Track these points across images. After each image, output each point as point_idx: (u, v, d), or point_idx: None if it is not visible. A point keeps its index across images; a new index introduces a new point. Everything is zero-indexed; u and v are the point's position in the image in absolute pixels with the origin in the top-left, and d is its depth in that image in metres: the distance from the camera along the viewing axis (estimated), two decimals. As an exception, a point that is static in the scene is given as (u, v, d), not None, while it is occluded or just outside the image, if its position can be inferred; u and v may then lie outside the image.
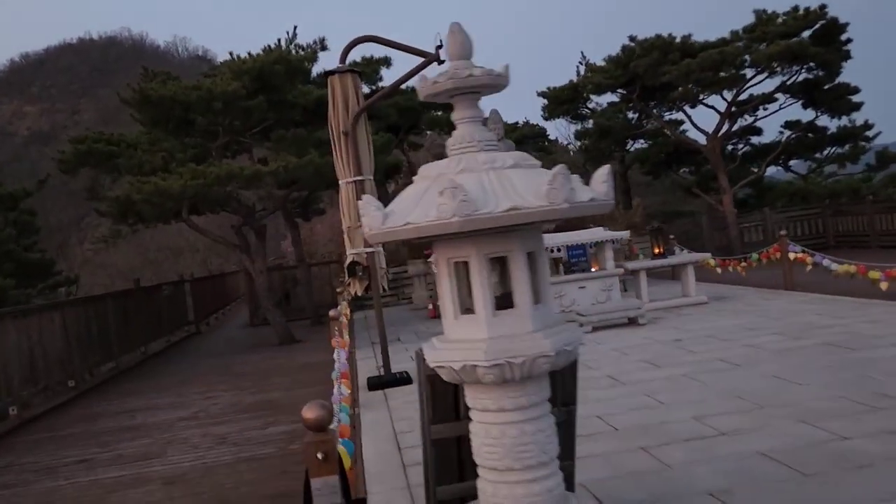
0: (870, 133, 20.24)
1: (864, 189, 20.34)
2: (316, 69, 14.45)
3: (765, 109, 20.08)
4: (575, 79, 20.73)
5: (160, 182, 9.63)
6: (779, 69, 16.19)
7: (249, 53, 10.92)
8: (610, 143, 19.99)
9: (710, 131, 19.77)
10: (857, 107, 18.69)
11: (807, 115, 20.19)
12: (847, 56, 16.68)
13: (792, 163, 22.34)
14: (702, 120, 19.65)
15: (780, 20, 16.27)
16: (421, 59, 7.49)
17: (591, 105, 21.43)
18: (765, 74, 16.86)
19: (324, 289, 18.70)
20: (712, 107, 18.71)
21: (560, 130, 40.33)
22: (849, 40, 16.52)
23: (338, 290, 15.49)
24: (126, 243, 43.51)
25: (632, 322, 9.53)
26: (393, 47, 7.85)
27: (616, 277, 10.81)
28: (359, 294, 7.92)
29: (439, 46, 7.52)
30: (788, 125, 21.01)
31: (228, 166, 9.96)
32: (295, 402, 7.57)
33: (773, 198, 20.56)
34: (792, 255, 11.40)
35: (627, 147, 22.02)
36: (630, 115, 20.22)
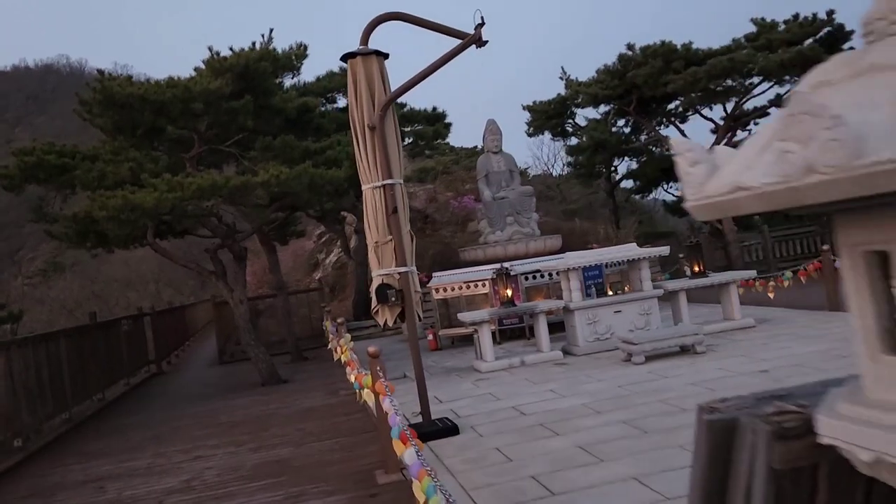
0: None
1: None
2: (294, 79, 13.14)
3: (755, 124, 19.52)
4: (562, 93, 19.84)
5: (130, 196, 8.11)
6: (787, 78, 15.57)
7: (231, 49, 9.54)
8: (605, 158, 19.10)
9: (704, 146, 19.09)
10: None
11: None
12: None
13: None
14: (693, 135, 18.78)
15: (782, 27, 15.70)
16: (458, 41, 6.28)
17: (577, 120, 20.60)
18: (769, 83, 16.22)
19: (303, 320, 17.14)
20: (710, 119, 18.03)
21: (539, 149, 39.76)
22: (852, 49, 16.00)
23: (325, 322, 14.01)
24: (69, 276, 40.85)
25: (685, 350, 8.37)
26: (424, 27, 6.61)
27: (655, 300, 9.66)
28: (389, 324, 6.55)
29: (480, 25, 6.33)
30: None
31: (211, 177, 8.51)
32: (313, 463, 6.11)
33: (766, 216, 19.87)
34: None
35: (614, 164, 21.19)
36: (623, 128, 19.41)
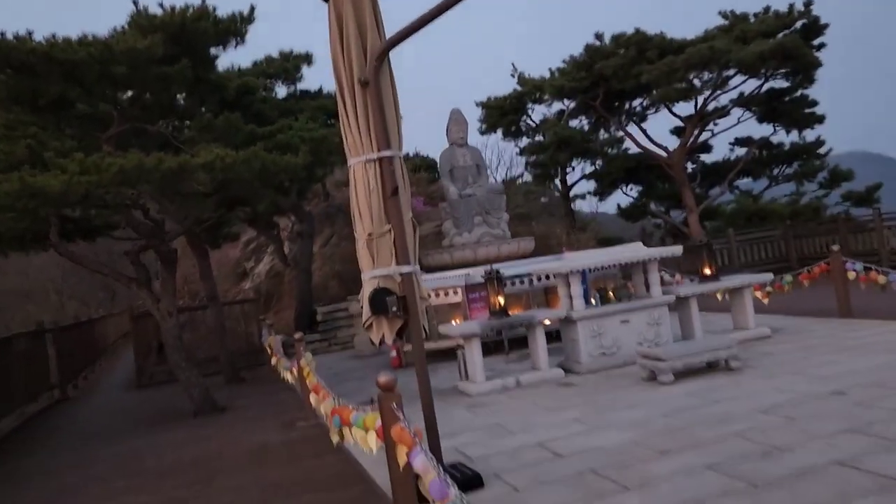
0: (821, 150, 19.57)
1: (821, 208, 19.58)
2: (236, 57, 11.39)
3: (714, 125, 18.97)
4: (516, 89, 18.75)
5: (30, 179, 6.32)
6: (764, 71, 14.90)
7: (161, 5, 7.83)
8: (568, 156, 18.05)
9: (665, 145, 18.37)
10: (820, 119, 17.86)
11: (759, 130, 19.28)
12: (818, 63, 15.71)
13: (738, 182, 21.39)
14: (655, 135, 18.04)
15: (755, 19, 15.06)
16: None
17: (535, 116, 19.53)
18: (743, 77, 15.54)
19: (236, 335, 15.28)
20: (678, 116, 17.28)
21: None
22: (822, 45, 15.57)
23: (269, 338, 12.28)
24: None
25: (712, 366, 7.21)
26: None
27: (665, 308, 8.50)
28: (388, 342, 5.05)
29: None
30: (739, 142, 20.04)
31: (138, 157, 6.78)
32: (289, 531, 4.56)
33: (729, 219, 19.34)
34: (852, 275, 9.60)
35: (572, 165, 20.23)
36: (584, 125, 18.45)
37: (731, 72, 14.88)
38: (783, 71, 15.28)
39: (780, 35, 14.92)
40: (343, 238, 19.27)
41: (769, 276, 9.23)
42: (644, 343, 8.32)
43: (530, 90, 18.27)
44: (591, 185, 20.62)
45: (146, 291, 9.37)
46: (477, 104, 19.65)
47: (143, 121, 8.34)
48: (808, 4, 14.79)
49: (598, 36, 15.66)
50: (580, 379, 7.86)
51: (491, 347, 10.93)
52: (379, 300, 4.82)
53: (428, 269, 12.73)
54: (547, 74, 18.87)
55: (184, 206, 8.64)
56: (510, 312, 10.88)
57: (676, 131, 19.70)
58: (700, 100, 16.43)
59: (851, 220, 17.72)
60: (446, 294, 10.87)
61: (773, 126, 18.50)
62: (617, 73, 15.10)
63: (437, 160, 13.07)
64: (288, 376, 9.31)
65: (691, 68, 14.28)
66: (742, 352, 7.91)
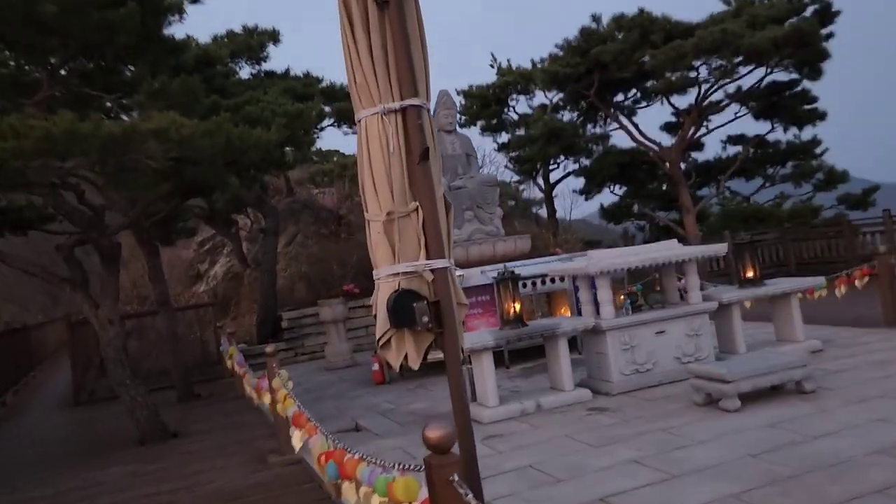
0: (818, 150, 18.78)
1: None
2: (193, 28, 9.88)
3: (708, 121, 18.02)
4: (502, 79, 17.54)
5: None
6: (775, 60, 13.92)
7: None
8: (559, 150, 16.85)
9: (658, 141, 17.33)
10: (822, 116, 17.02)
11: (754, 128, 18.45)
12: (827, 54, 14.81)
13: (728, 182, 20.51)
14: (645, 129, 17.02)
15: (765, 3, 14.12)
16: None
17: (518, 109, 18.35)
18: (750, 67, 14.56)
19: (189, 344, 13.70)
20: (676, 108, 16.26)
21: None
22: (830, 35, 14.68)
23: (230, 348, 10.73)
24: None
25: (777, 389, 6.02)
26: None
27: (706, 316, 7.31)
28: (414, 366, 3.69)
29: None
30: (733, 139, 19.15)
31: (70, 119, 5.29)
32: None
33: (724, 221, 18.40)
34: (901, 280, 8.56)
35: (557, 161, 19.06)
36: (573, 118, 17.29)
37: (738, 59, 13.85)
38: (789, 61, 14.34)
39: (795, 19, 13.98)
40: (309, 237, 17.80)
41: (820, 280, 8.11)
42: (683, 358, 7.12)
43: (516, 79, 17.07)
44: (575, 183, 19.64)
45: (82, 294, 7.82)
46: (458, 92, 18.43)
47: (79, 83, 6.82)
48: (824, -13, 13.89)
49: (596, 18, 14.54)
50: (613, 402, 6.60)
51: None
52: (403, 308, 3.46)
53: (412, 270, 11.37)
54: (530, 65, 17.72)
55: (130, 189, 7.13)
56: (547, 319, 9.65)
57: (668, 127, 18.70)
58: (702, 90, 15.41)
59: (851, 222, 16.91)
60: (438, 299, 9.50)
61: (772, 123, 17.61)
62: (616, 59, 13.97)
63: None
64: (255, 396, 7.85)
65: (701, 53, 13.22)
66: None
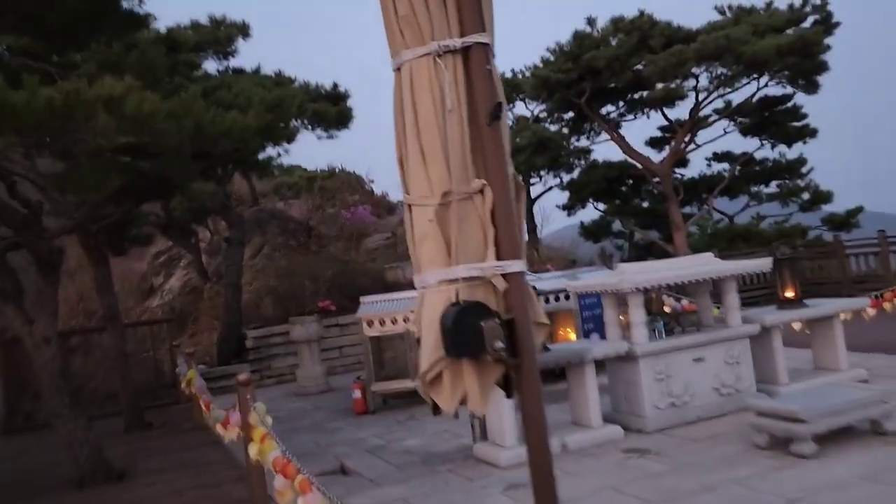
0: (804, 169, 18.32)
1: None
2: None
3: (695, 136, 17.40)
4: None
5: None
6: (777, 69, 13.30)
7: None
8: (546, 161, 15.97)
9: (647, 155, 16.63)
10: (813, 133, 16.51)
11: (741, 144, 17.91)
12: (825, 67, 14.25)
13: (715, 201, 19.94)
14: (633, 140, 16.32)
15: (765, 12, 13.55)
16: None
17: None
18: (747, 77, 13.92)
19: (140, 363, 12.34)
20: (669, 120, 15.56)
21: None
22: (827, 47, 14.12)
23: (185, 374, 9.44)
24: None
25: (847, 429, 5.10)
26: None
27: (747, 341, 6.39)
28: (476, 411, 2.65)
29: None
30: (718, 156, 18.60)
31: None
32: None
33: (710, 240, 17.77)
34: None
35: (540, 173, 18.21)
36: (561, 128, 16.46)
37: (739, 68, 13.18)
38: (786, 74, 13.76)
39: (794, 28, 13.39)
40: (276, 248, 16.56)
41: (865, 301, 7.28)
42: (722, 389, 6.19)
43: (521, 83, 16.14)
44: (556, 198, 18.83)
45: (13, 308, 6.56)
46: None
47: (14, 51, 5.63)
48: (825, -4, 13.35)
49: (591, 21, 13.76)
50: (652, 442, 5.61)
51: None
52: (467, 328, 2.40)
53: (392, 286, 10.31)
54: (517, 73, 16.89)
55: (75, 183, 5.94)
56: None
57: (653, 142, 18.03)
58: (699, 100, 14.71)
59: (842, 244, 16.37)
60: (430, 318, 8.44)
61: (760, 139, 17.06)
62: (610, 65, 13.17)
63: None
64: (221, 431, 6.64)
65: (703, 60, 12.52)
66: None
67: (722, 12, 14.31)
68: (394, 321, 8.51)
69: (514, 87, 16.35)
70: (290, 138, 8.55)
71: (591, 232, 20.80)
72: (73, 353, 13.29)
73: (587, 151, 18.35)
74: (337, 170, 22.44)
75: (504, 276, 2.48)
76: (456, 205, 2.50)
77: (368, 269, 14.69)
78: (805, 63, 13.17)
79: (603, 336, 9.16)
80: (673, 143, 15.38)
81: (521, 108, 19.02)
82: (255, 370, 12.54)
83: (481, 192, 2.52)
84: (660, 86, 13.82)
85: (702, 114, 15.92)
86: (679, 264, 6.49)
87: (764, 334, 6.64)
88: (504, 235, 2.51)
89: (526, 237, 2.72)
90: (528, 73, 17.00)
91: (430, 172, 2.53)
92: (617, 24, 13.23)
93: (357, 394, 8.65)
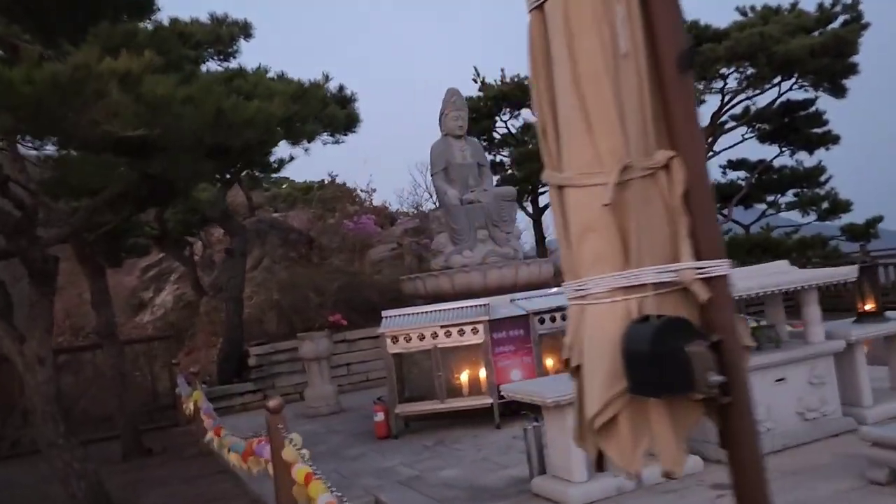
0: (822, 178, 17.81)
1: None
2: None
3: (714, 141, 16.84)
4: (497, 88, 16.04)
5: None
6: (810, 70, 12.77)
7: None
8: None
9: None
10: (836, 140, 16.00)
11: (757, 151, 17.39)
12: (854, 69, 13.70)
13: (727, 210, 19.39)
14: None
15: (790, 12, 13.07)
16: None
17: (508, 124, 16.85)
18: (775, 80, 13.39)
19: (136, 385, 11.54)
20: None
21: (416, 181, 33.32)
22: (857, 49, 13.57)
23: (190, 395, 8.67)
24: None
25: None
26: None
27: (831, 359, 5.75)
28: (672, 471, 1.96)
29: None
30: (733, 164, 18.08)
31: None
32: None
33: (729, 251, 17.18)
34: None
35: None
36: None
37: (770, 68, 12.64)
38: (812, 77, 13.25)
39: (822, 29, 12.90)
40: (277, 261, 15.81)
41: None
42: (807, 414, 5.53)
43: (512, 91, 15.58)
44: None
45: (2, 325, 5.81)
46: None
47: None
48: (857, -3, 12.86)
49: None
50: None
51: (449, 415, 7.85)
52: (666, 354, 1.72)
53: (415, 297, 9.61)
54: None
55: (76, 179, 5.21)
56: (552, 364, 7.96)
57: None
58: (725, 102, 14.15)
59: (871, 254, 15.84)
60: (460, 332, 7.76)
61: (779, 146, 16.55)
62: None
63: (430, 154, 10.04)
64: (237, 462, 5.89)
65: (735, 59, 11.97)
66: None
67: (744, 13, 13.81)
68: (420, 337, 7.81)
69: (526, 92, 15.75)
70: (312, 136, 7.87)
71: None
72: (62, 372, 12.48)
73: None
74: (328, 181, 21.75)
75: (707, 279, 1.81)
76: (638, 182, 1.83)
77: (376, 281, 13.99)
78: (835, 64, 12.67)
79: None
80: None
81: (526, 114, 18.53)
82: (259, 389, 11.79)
83: (666, 166, 1.86)
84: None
85: (721, 119, 15.39)
86: (751, 273, 5.84)
87: (846, 351, 6.00)
88: (702, 226, 1.84)
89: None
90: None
91: (596, 140, 1.86)
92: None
93: (380, 416, 7.93)
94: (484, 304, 7.84)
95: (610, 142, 1.84)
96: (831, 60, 12.46)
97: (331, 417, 9.83)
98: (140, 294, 22.26)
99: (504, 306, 8.02)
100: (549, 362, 7.97)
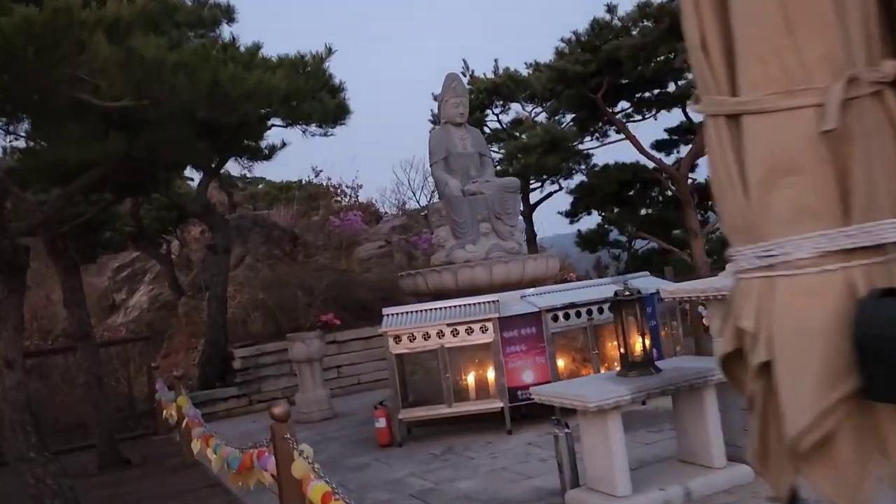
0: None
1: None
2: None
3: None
4: (491, 79, 15.57)
5: None
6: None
7: None
8: (557, 161, 14.90)
9: (658, 157, 15.73)
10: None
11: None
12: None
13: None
14: (644, 139, 15.43)
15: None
16: None
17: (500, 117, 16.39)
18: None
19: (111, 391, 10.83)
20: (691, 118, 14.65)
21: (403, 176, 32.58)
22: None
23: (173, 401, 8.04)
24: None
25: None
26: None
27: None
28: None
29: None
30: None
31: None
32: None
33: (720, 250, 16.89)
34: None
35: (543, 178, 17.19)
36: (571, 125, 15.45)
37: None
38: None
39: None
40: (259, 259, 15.15)
41: None
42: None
43: (505, 83, 15.11)
44: (557, 205, 17.85)
45: (-35, 323, 5.17)
46: (434, 97, 16.36)
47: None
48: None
49: (611, 7, 12.74)
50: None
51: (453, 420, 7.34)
52: None
53: (415, 294, 9.07)
54: (524, 68, 15.89)
55: (45, 167, 4.60)
56: (564, 364, 7.47)
57: (661, 144, 17.12)
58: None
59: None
60: (468, 331, 7.24)
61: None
62: (635, 56, 12.20)
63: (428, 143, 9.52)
64: (228, 473, 5.30)
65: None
66: None
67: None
68: (426, 336, 7.27)
69: (520, 85, 15.30)
70: (310, 118, 7.29)
71: (589, 241, 19.82)
72: (29, 376, 11.73)
73: (587, 156, 17.40)
74: (313, 176, 21.06)
75: None
76: (864, 105, 1.33)
77: (366, 279, 13.43)
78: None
79: (660, 354, 8.12)
80: (694, 143, 14.43)
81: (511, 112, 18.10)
82: (244, 394, 11.16)
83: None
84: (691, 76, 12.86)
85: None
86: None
87: None
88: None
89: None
90: (530, 70, 16.00)
91: (801, 44, 1.34)
92: (643, 9, 12.29)
93: (381, 422, 7.37)
94: (493, 301, 7.33)
95: (824, 46, 1.32)
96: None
97: (324, 423, 9.25)
98: (112, 295, 21.42)
99: (514, 303, 7.51)
100: (562, 363, 7.49)
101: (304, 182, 21.99)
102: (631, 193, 16.45)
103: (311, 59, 5.61)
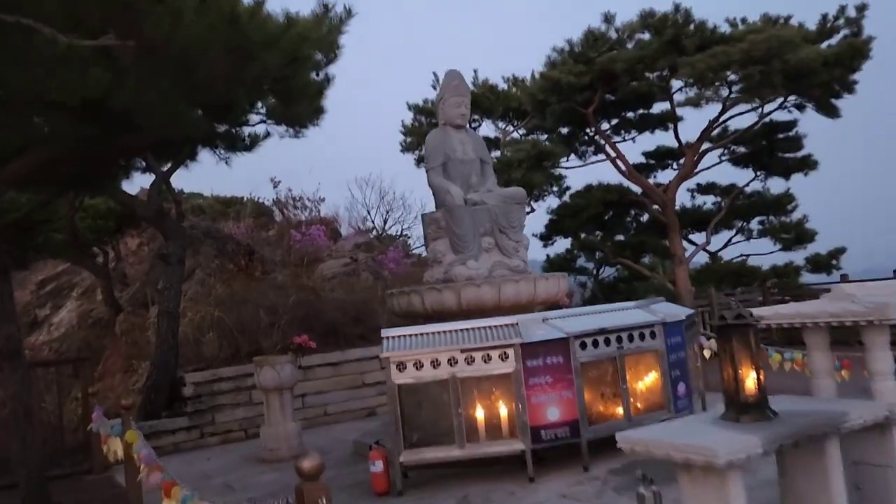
0: (790, 206, 17.38)
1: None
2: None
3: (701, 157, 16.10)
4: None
5: None
6: (816, 83, 12.02)
7: None
8: (544, 178, 14.07)
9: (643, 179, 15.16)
10: (813, 166, 15.47)
11: (728, 176, 16.79)
12: (851, 87, 13.00)
13: (693, 236, 18.73)
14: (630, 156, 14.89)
15: (792, 24, 12.41)
16: None
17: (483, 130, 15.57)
18: (779, 96, 12.65)
19: (39, 421, 9.31)
20: (680, 140, 14.09)
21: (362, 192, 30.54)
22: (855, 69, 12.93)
23: (115, 433, 6.65)
24: None
25: None
26: None
27: None
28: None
29: None
30: (703, 189, 17.44)
31: None
32: None
33: (704, 278, 16.44)
34: None
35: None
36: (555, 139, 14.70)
37: (779, 78, 11.81)
38: (818, 88, 12.52)
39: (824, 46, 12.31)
40: (212, 273, 13.77)
41: None
42: None
43: (484, 94, 14.28)
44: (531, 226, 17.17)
45: None
46: (409, 106, 15.39)
47: None
48: (861, 9, 12.20)
49: (608, 17, 12.03)
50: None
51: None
52: None
53: (408, 315, 8.00)
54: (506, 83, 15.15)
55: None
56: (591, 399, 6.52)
57: (639, 168, 16.59)
58: (725, 112, 13.30)
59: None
60: (485, 358, 6.23)
61: (754, 170, 15.97)
62: (632, 69, 11.55)
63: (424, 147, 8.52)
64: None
65: (750, 64, 11.02)
66: None
67: (734, 24, 13.08)
68: (435, 363, 6.22)
69: (500, 98, 14.53)
70: (316, 92, 6.20)
71: (557, 267, 19.11)
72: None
73: (559, 177, 16.73)
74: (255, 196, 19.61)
75: None
76: None
77: (335, 298, 12.25)
78: (844, 75, 11.99)
79: (689, 388, 7.28)
80: (683, 164, 13.89)
81: (489, 129, 17.32)
82: (195, 426, 9.82)
83: None
84: (692, 92, 12.29)
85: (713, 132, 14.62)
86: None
87: None
88: None
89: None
90: (507, 85, 15.28)
91: None
92: (646, 19, 11.64)
93: (378, 466, 6.26)
94: (513, 324, 6.35)
95: None
96: (842, 71, 11.77)
97: (289, 464, 8.02)
98: (34, 311, 19.52)
99: (536, 327, 6.54)
100: (586, 397, 6.53)
101: (254, 197, 20.58)
102: (610, 216, 15.81)
103: (313, 17, 4.57)
